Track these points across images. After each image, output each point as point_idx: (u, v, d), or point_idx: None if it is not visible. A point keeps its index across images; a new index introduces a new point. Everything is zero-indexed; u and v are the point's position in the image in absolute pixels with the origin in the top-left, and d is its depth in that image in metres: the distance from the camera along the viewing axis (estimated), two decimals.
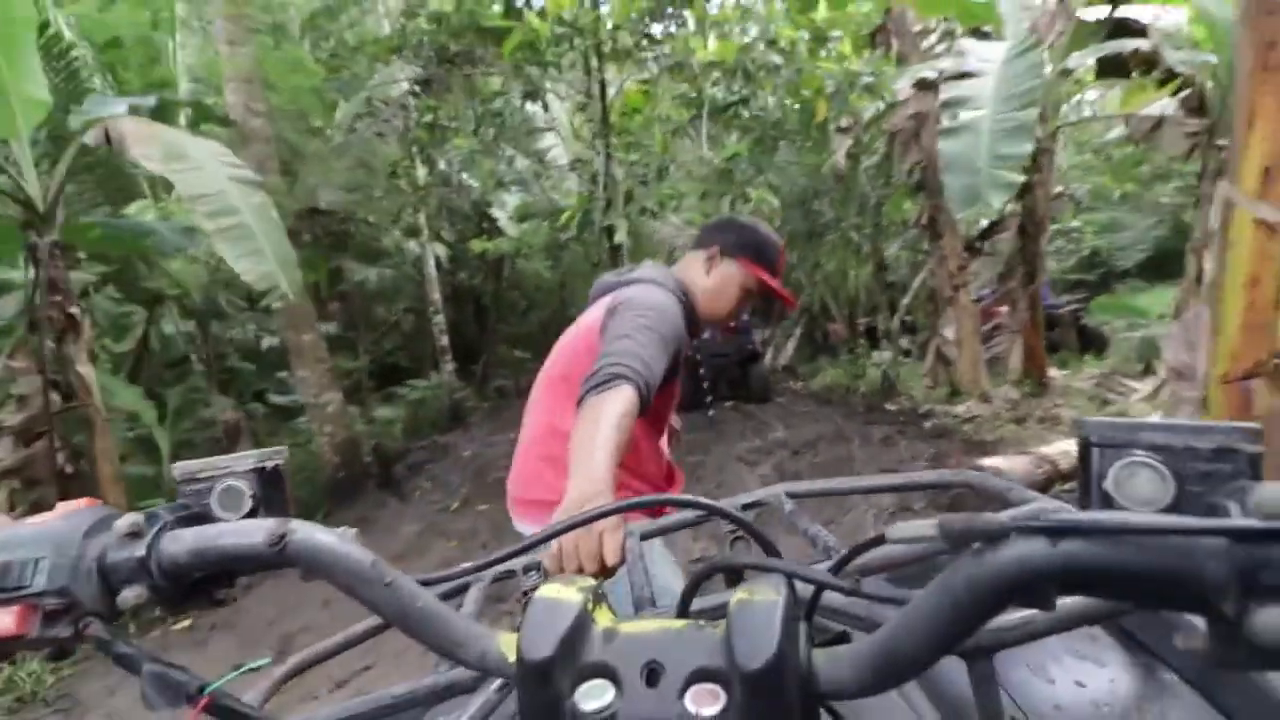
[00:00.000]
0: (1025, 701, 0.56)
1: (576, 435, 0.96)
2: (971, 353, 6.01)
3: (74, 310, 3.98)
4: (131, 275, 5.56)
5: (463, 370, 12.30)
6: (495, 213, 11.46)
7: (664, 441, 1.54)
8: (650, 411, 1.21)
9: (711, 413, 7.29)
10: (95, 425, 4.07)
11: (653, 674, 0.32)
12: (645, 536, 0.82)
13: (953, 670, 0.40)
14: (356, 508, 5.58)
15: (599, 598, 0.37)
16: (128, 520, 0.38)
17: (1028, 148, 4.60)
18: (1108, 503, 0.32)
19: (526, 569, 0.77)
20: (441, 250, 10.57)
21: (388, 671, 3.06)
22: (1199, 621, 0.26)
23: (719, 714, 0.30)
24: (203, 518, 0.41)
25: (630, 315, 1.24)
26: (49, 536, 0.37)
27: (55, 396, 3.91)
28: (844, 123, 5.87)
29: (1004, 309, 6.72)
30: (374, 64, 6.64)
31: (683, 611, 0.42)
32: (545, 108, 7.25)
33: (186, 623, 3.75)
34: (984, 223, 5.76)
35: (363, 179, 5.77)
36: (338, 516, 5.49)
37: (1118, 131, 7.56)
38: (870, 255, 7.19)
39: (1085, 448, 0.33)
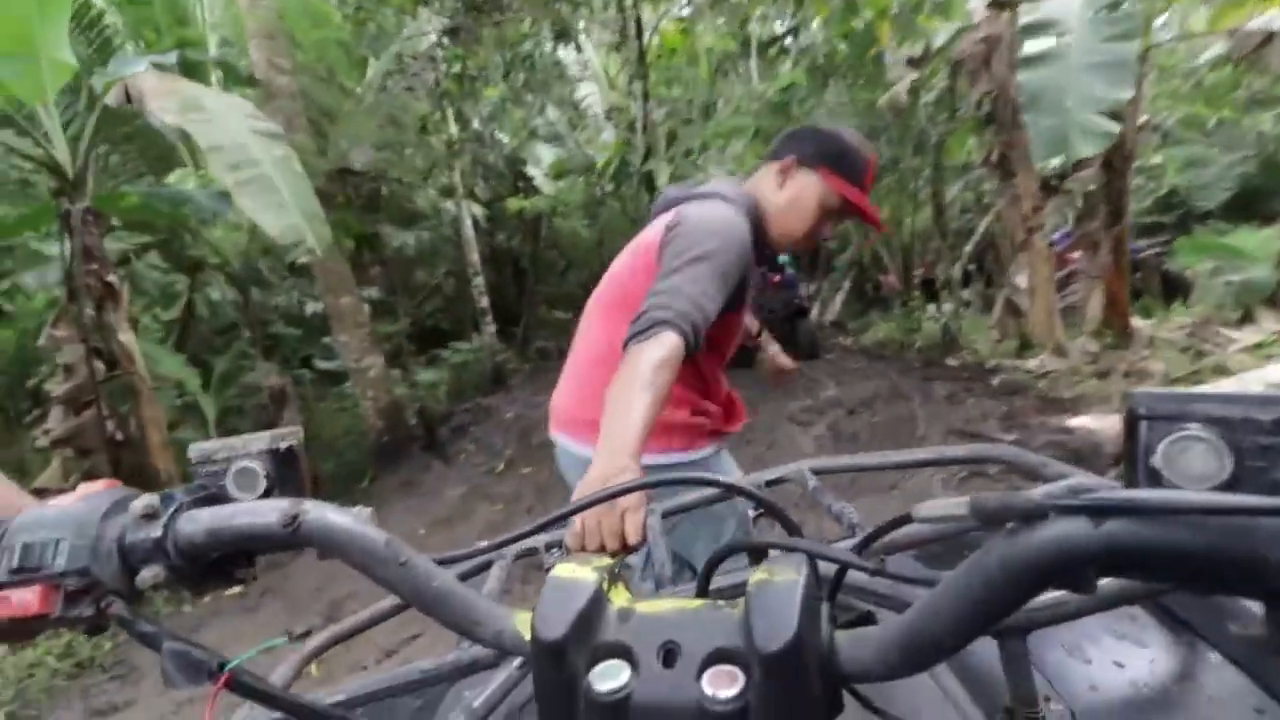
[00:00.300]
0: (1060, 682, 0.53)
1: (613, 392, 0.93)
2: (1046, 302, 5.53)
3: (112, 278, 3.91)
4: (178, 244, 5.52)
5: (503, 332, 12.22)
6: (530, 170, 11.16)
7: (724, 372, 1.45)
8: (711, 341, 1.20)
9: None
10: (141, 393, 4.04)
11: (669, 654, 0.31)
12: (667, 514, 0.80)
13: (984, 649, 0.36)
14: (401, 471, 5.54)
15: (615, 577, 0.36)
16: (144, 502, 0.38)
17: (1127, 91, 4.06)
18: (1156, 480, 0.28)
19: (549, 546, 0.75)
20: (478, 210, 10.36)
21: (435, 641, 2.97)
22: (1255, 606, 0.24)
23: (737, 696, 0.29)
24: (219, 499, 0.41)
25: (685, 243, 1.15)
26: (69, 518, 0.37)
27: (99, 365, 3.87)
28: (911, 52, 5.32)
29: (1077, 254, 6.16)
30: (401, 16, 6.36)
31: (702, 591, 0.41)
32: (579, 49, 6.84)
33: (238, 589, 3.75)
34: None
35: (393, 137, 5.54)
36: (383, 480, 5.46)
37: (1211, 52, 6.75)
38: (930, 199, 6.65)
39: (1132, 421, 0.29)
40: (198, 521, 0.38)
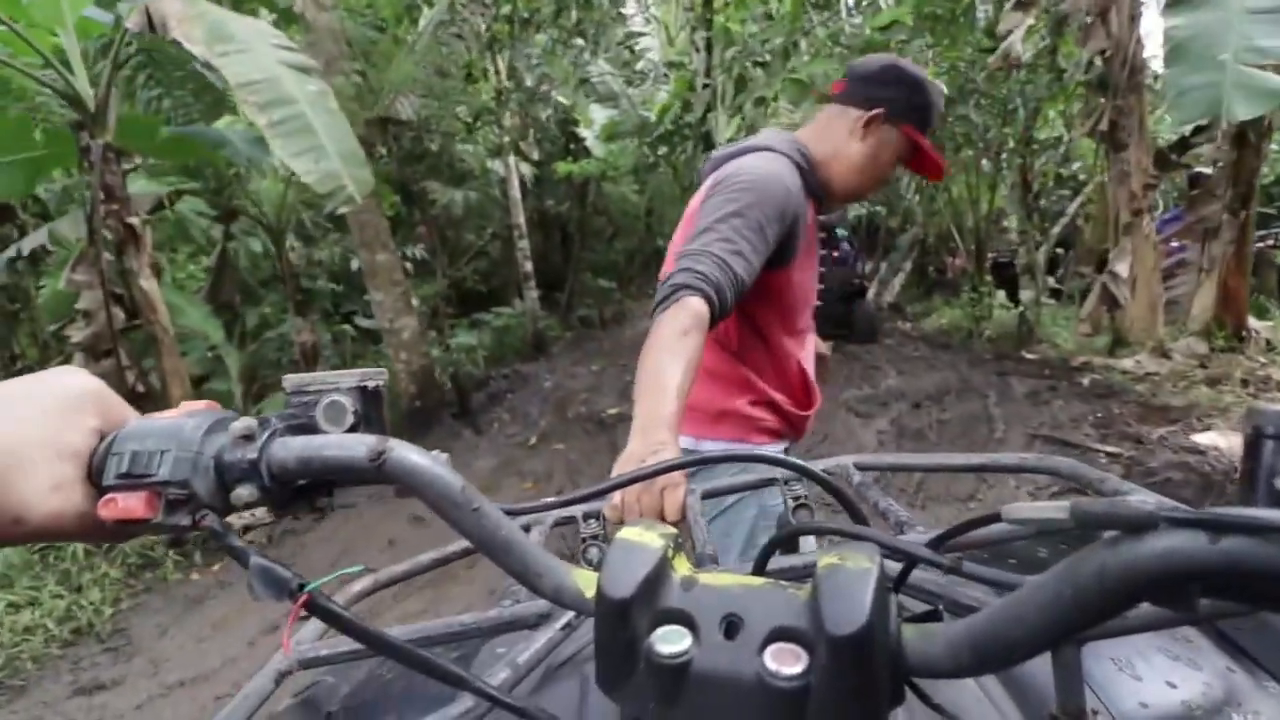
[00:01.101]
0: (1109, 696, 0.50)
1: (642, 367, 0.89)
2: (1149, 294, 4.84)
3: (133, 221, 3.65)
4: (228, 192, 5.28)
5: (547, 299, 11.89)
6: (582, 132, 10.66)
7: (806, 347, 1.32)
8: (773, 303, 1.18)
9: None
10: (162, 344, 3.81)
11: (731, 626, 0.31)
12: (707, 496, 0.78)
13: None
14: (430, 439, 5.26)
15: (679, 546, 0.35)
16: (243, 423, 0.38)
17: None
18: (1278, 503, 0.27)
19: (586, 516, 0.74)
20: (527, 170, 9.95)
21: None
22: None
23: (800, 674, 0.29)
24: (308, 429, 0.41)
25: (720, 199, 1.08)
26: (173, 431, 0.37)
27: (119, 313, 3.64)
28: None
29: (1174, 244, 5.39)
30: None
31: (759, 570, 0.41)
32: None
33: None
34: (1187, 128, 4.47)
35: (439, 87, 5.14)
36: None
37: None
38: (1018, 174, 5.92)
39: (1255, 439, 0.28)
40: (290, 448, 0.38)
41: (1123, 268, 4.74)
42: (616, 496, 0.73)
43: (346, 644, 0.57)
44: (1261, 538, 0.22)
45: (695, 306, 0.92)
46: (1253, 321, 4.85)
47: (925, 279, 10.44)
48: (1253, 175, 4.49)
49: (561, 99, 9.51)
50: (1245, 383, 4.11)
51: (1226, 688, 0.52)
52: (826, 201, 1.25)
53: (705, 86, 4.97)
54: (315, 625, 0.62)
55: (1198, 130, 4.56)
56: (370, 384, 0.42)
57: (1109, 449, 3.47)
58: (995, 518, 0.31)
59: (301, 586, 0.36)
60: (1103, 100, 5.02)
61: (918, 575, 0.49)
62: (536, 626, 0.57)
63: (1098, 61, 4.76)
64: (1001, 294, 7.99)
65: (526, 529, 0.74)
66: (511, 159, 8.74)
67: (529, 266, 9.19)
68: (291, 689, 0.64)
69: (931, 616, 0.36)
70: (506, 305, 10.81)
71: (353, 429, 0.41)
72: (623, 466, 0.77)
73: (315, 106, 3.19)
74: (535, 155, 9.35)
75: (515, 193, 8.88)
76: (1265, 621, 0.56)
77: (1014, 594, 0.29)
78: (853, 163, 1.19)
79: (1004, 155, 6.06)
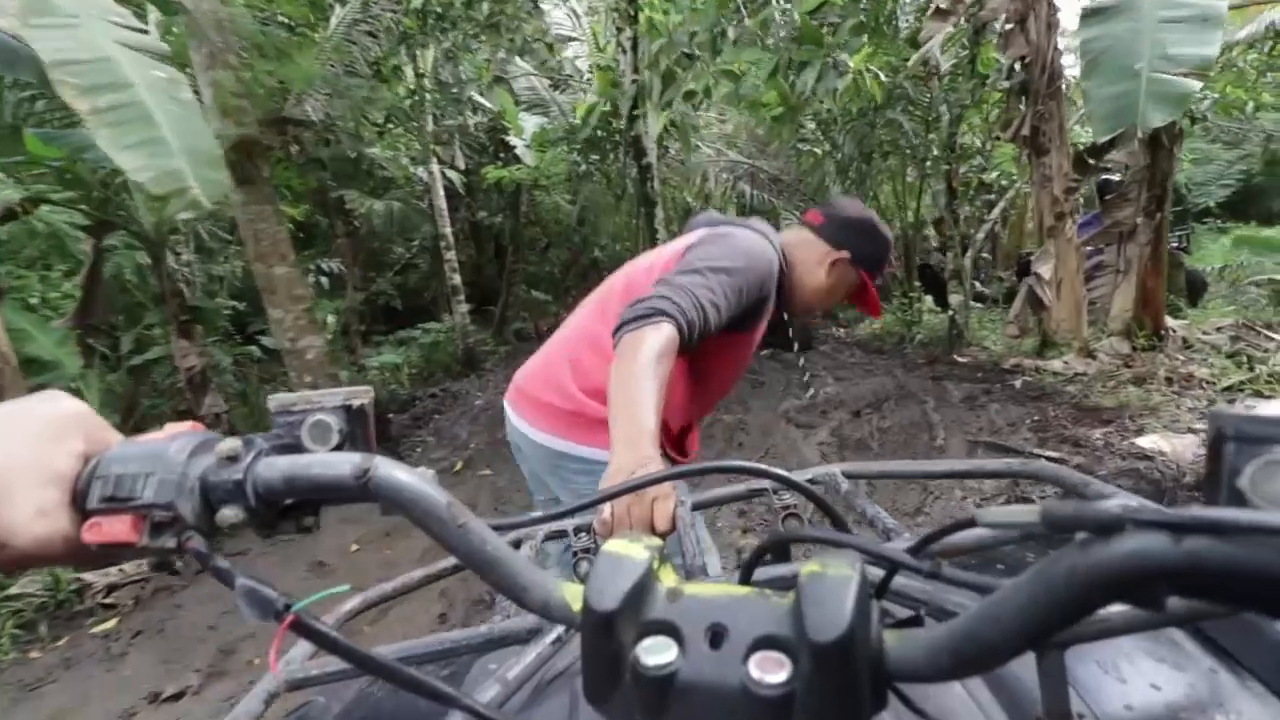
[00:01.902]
0: (1093, 699, 0.50)
1: (615, 379, 0.93)
2: (1073, 296, 4.86)
3: None
4: (115, 202, 4.62)
5: (481, 312, 11.38)
6: (512, 139, 10.26)
7: (699, 416, 1.44)
8: (706, 360, 1.26)
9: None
10: (1, 374, 3.21)
11: (716, 636, 0.31)
12: (697, 507, 0.78)
13: (1018, 661, 0.31)
14: None
15: (664, 557, 0.36)
16: (228, 444, 0.38)
17: (1212, 48, 3.36)
18: (1240, 503, 0.27)
19: (577, 530, 0.75)
20: (455, 177, 9.46)
21: None
22: None
23: (784, 682, 0.29)
24: (294, 448, 0.41)
25: (714, 251, 1.18)
26: (158, 453, 0.37)
27: None
28: (942, 2, 4.54)
29: (1091, 247, 5.48)
30: None
31: (745, 580, 0.41)
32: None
33: (110, 624, 2.97)
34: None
35: (345, 85, 4.68)
36: None
37: (1247, 30, 6.07)
38: (944, 180, 5.93)
39: (1218, 442, 0.28)
40: (275, 468, 0.38)
41: (1047, 270, 4.74)
42: (606, 510, 0.76)
43: (336, 664, 0.56)
44: (1223, 537, 0.22)
45: (670, 334, 0.98)
46: (1169, 320, 4.95)
47: None
48: (1166, 179, 4.58)
49: (485, 102, 9.09)
50: (1169, 381, 4.14)
51: (1210, 689, 0.51)
52: (780, 306, 1.34)
53: (633, 83, 4.70)
54: (304, 645, 0.59)
55: (1113, 138, 4.61)
56: (355, 402, 0.42)
57: (1049, 454, 3.36)
58: (970, 523, 0.31)
59: (288, 607, 0.35)
60: (1023, 107, 5.05)
61: (903, 581, 0.49)
62: (527, 641, 0.56)
63: (1018, 68, 4.77)
64: (929, 299, 8.06)
65: (516, 544, 0.72)
66: (435, 166, 8.26)
67: (457, 279, 8.70)
68: (282, 710, 0.62)
69: (913, 622, 0.37)
70: (437, 320, 10.26)
71: (338, 448, 0.41)
72: (611, 480, 0.80)
73: (159, 95, 2.70)
74: (460, 163, 8.86)
75: (440, 201, 8.39)
76: (1248, 622, 0.53)
77: (990, 597, 0.29)
78: (814, 286, 1.35)
79: (929, 162, 6.07)
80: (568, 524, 0.76)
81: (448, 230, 8.56)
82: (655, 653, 0.30)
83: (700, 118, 12.07)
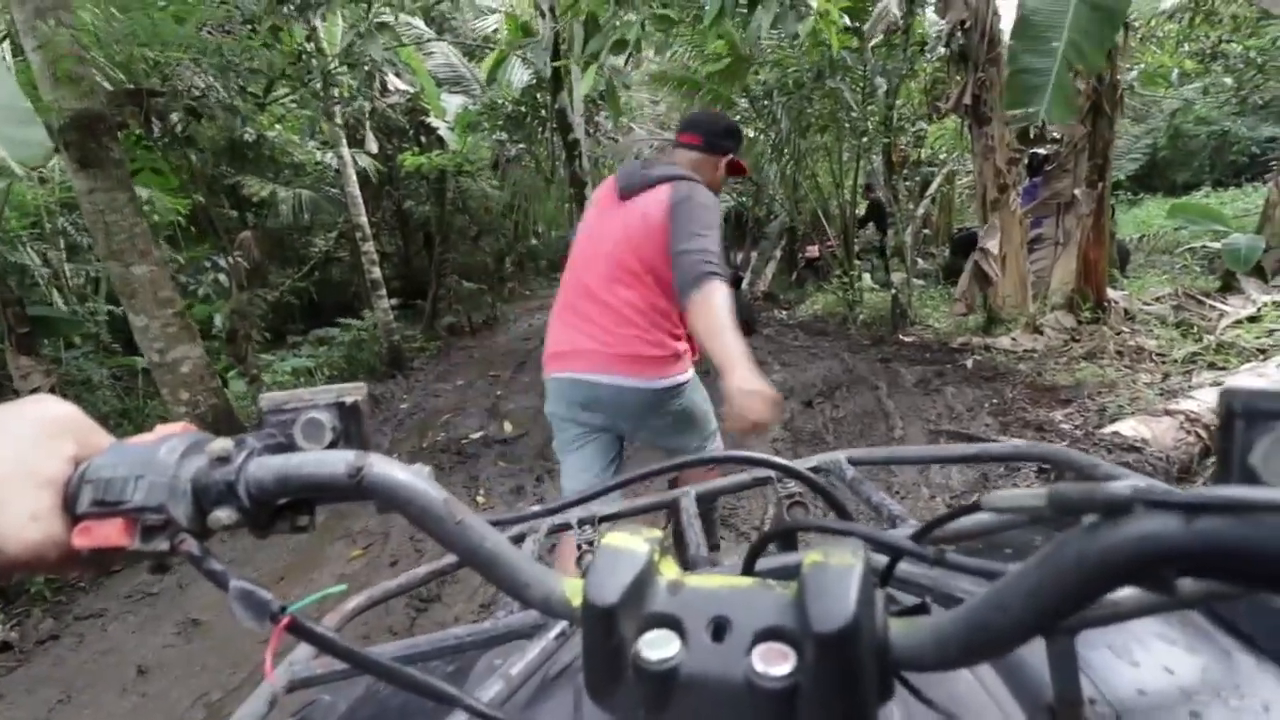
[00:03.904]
0: (1105, 684, 0.48)
1: (716, 325, 1.41)
2: (1018, 270, 4.65)
3: None
4: None
5: (411, 306, 10.56)
6: (434, 121, 9.46)
7: None
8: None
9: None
10: None
11: (719, 628, 0.30)
12: (701, 496, 0.77)
13: (1028, 647, 0.31)
14: None
15: (665, 549, 0.35)
16: (220, 445, 0.37)
17: (1114, 40, 3.12)
18: (1251, 480, 0.26)
19: (581, 522, 0.74)
20: (369, 163, 8.61)
21: None
22: None
23: (788, 674, 0.28)
24: (287, 447, 0.40)
25: (698, 214, 1.61)
26: (148, 456, 0.36)
27: None
28: None
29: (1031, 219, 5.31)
30: None
31: (748, 570, 0.41)
32: None
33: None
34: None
35: (213, 49, 3.91)
36: None
37: (1170, 1, 6.01)
38: (883, 153, 5.64)
39: (1228, 418, 0.27)
40: (268, 467, 0.37)
41: (993, 244, 4.51)
42: (739, 404, 1.27)
43: (339, 663, 0.52)
44: (1235, 516, 0.22)
45: (723, 289, 1.48)
46: (1109, 292, 4.81)
47: (794, 266, 10.28)
48: (1107, 147, 4.39)
49: (399, 83, 8.26)
50: (1120, 354, 3.96)
51: (1225, 671, 0.49)
52: None
53: (552, 30, 4.11)
54: (307, 645, 0.56)
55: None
56: (348, 399, 0.41)
57: (1017, 442, 3.07)
58: (975, 507, 0.31)
59: (284, 609, 0.35)
60: (960, 77, 4.77)
61: (908, 569, 0.48)
62: (531, 637, 0.56)
63: (959, 33, 4.47)
64: (868, 277, 7.85)
65: (520, 539, 0.73)
66: (345, 150, 7.43)
67: (376, 272, 7.90)
68: (290, 708, 0.62)
69: (919, 610, 0.36)
70: (361, 317, 9.41)
71: (332, 445, 0.40)
72: (744, 384, 1.29)
73: None
74: (371, 146, 8.04)
75: (353, 188, 7.56)
76: (1264, 603, 0.49)
77: (997, 583, 0.28)
78: (716, 187, 1.83)
79: (865, 135, 5.77)
80: (572, 516, 0.74)
81: (363, 219, 7.75)
82: (657, 646, 0.30)
83: (631, 98, 11.52)
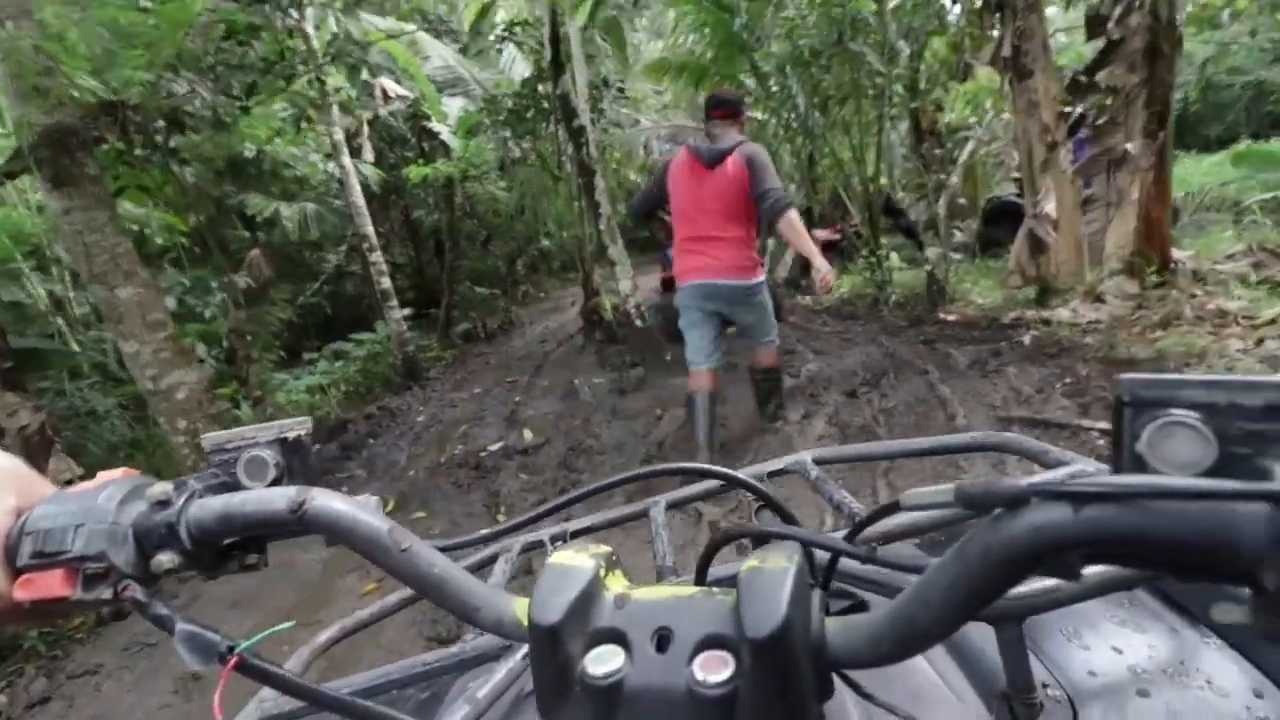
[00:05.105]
0: (1058, 668, 0.50)
1: (794, 238, 2.79)
2: (1073, 235, 4.19)
3: None
4: None
5: (425, 316, 10.29)
6: (435, 126, 9.16)
7: None
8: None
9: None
10: None
11: (663, 640, 0.30)
12: (671, 506, 0.77)
13: (982, 636, 0.35)
14: None
15: (613, 564, 0.35)
16: (159, 488, 0.37)
17: None
18: (1140, 467, 0.26)
19: (554, 539, 0.73)
20: (371, 173, 8.33)
21: None
22: (1244, 590, 0.23)
23: (727, 680, 0.28)
24: (231, 486, 0.40)
25: (765, 165, 2.77)
26: (87, 504, 0.36)
27: None
28: None
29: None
30: None
31: (700, 578, 0.41)
32: None
33: None
34: (1089, 50, 3.80)
35: (190, 55, 3.61)
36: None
37: None
38: (909, 120, 5.19)
39: (1119, 407, 0.28)
40: (209, 508, 0.37)
41: (1050, 207, 4.05)
42: (820, 277, 2.79)
43: None
44: (1119, 504, 0.23)
45: (796, 212, 2.78)
46: (1174, 252, 4.34)
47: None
48: (1168, 92, 3.92)
49: (399, 88, 7.97)
50: (1200, 319, 3.50)
51: (1170, 648, 0.50)
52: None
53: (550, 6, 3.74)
54: None
55: (1108, 49, 3.92)
56: (291, 435, 0.40)
57: (1105, 427, 2.66)
58: (895, 506, 0.31)
59: (231, 649, 0.34)
60: (995, 29, 4.32)
61: (860, 568, 0.48)
62: (499, 658, 0.55)
63: None
64: (895, 255, 7.37)
65: (493, 559, 0.72)
66: (347, 160, 7.15)
67: (386, 283, 7.62)
68: None
69: (857, 608, 0.36)
70: (372, 330, 9.14)
71: (276, 482, 0.39)
72: (821, 266, 2.75)
73: None
74: (368, 155, 7.74)
75: (357, 198, 7.28)
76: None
77: (920, 579, 0.28)
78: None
79: (894, 99, 5.32)
80: (544, 534, 0.73)
81: (369, 230, 7.47)
82: (602, 661, 0.30)
83: (636, 90, 11.13)
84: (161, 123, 3.79)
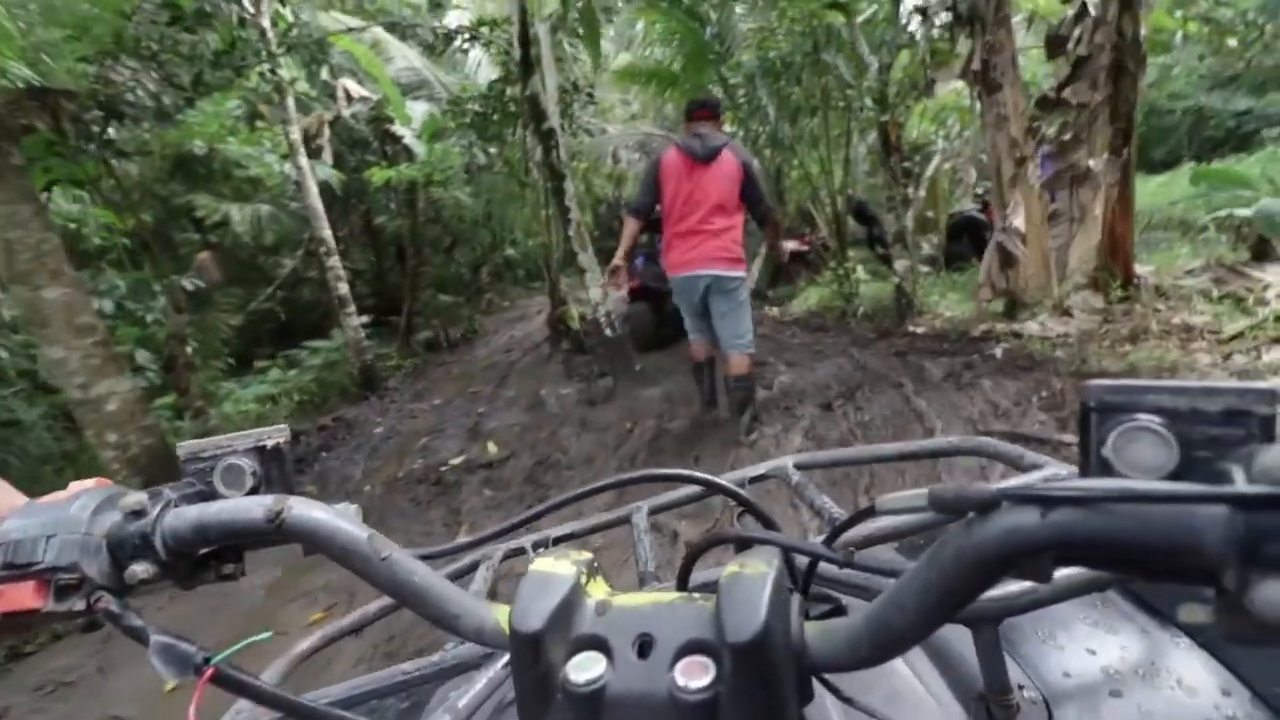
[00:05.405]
0: (1034, 669, 0.50)
1: (773, 236, 3.53)
2: (1040, 249, 4.22)
3: None
4: None
5: (385, 323, 9.93)
6: (398, 130, 8.88)
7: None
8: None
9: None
10: None
11: (644, 646, 0.30)
12: (653, 511, 0.77)
13: (960, 638, 0.35)
14: None
15: (594, 571, 0.35)
16: (134, 498, 0.36)
17: None
18: (1107, 471, 0.27)
19: (536, 545, 0.72)
20: (331, 174, 8.01)
21: None
22: (1209, 591, 0.24)
23: (707, 686, 0.29)
24: (207, 495, 0.39)
25: (756, 169, 3.20)
26: (59, 514, 0.35)
27: None
28: None
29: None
30: None
31: (681, 584, 0.41)
32: None
33: None
34: (1043, 71, 3.84)
35: (130, 39, 3.33)
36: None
37: None
38: (878, 133, 5.20)
39: (1085, 413, 0.28)
40: (184, 518, 0.36)
41: (1019, 221, 4.07)
42: (780, 249, 3.84)
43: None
44: (1085, 508, 0.23)
45: (777, 216, 3.52)
46: (1137, 268, 4.41)
47: (778, 263, 9.84)
48: (1132, 109, 3.99)
49: (360, 88, 7.70)
50: (1166, 333, 3.54)
51: (1142, 648, 0.51)
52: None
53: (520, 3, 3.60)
54: None
55: (1076, 65, 3.97)
56: (269, 442, 0.40)
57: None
58: (871, 511, 0.31)
59: (208, 660, 0.34)
60: (962, 44, 4.35)
61: (839, 572, 0.48)
62: (480, 667, 0.55)
63: None
64: (860, 268, 7.41)
65: (474, 567, 0.72)
66: (304, 160, 6.84)
67: (344, 289, 7.30)
68: None
69: (835, 612, 0.37)
70: (328, 338, 8.76)
71: (253, 491, 0.39)
72: (781, 247, 3.98)
73: None
74: (328, 156, 7.44)
75: (315, 201, 6.97)
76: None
77: (896, 583, 0.29)
78: None
79: (864, 111, 5.32)
80: (525, 540, 0.71)
81: (327, 234, 7.15)
82: (584, 669, 0.30)
83: (603, 99, 11.04)
84: (98, 112, 3.49)
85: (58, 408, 5.01)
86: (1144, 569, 0.24)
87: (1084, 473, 0.27)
